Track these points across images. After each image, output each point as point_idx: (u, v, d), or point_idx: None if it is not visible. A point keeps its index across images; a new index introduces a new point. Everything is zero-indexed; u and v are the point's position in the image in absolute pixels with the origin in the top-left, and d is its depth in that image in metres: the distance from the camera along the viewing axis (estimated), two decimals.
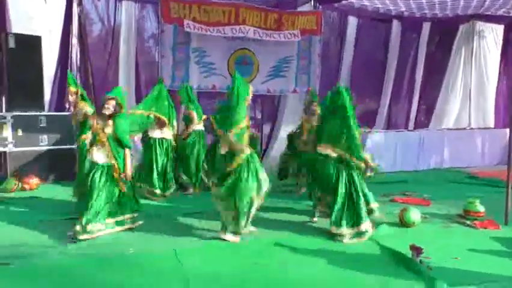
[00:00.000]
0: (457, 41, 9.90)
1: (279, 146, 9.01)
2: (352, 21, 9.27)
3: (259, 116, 8.96)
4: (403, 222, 4.79)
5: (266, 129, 9.04)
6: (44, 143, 6.55)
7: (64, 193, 5.76)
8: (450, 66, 9.97)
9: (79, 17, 7.06)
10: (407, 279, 3.42)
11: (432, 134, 8.88)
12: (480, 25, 9.79)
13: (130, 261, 3.72)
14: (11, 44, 6.26)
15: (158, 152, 5.97)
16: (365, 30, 9.48)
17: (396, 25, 9.53)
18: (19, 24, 6.62)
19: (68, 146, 6.64)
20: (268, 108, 9.10)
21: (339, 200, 4.34)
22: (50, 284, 2.92)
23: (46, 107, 6.92)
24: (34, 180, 6.16)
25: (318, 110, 5.55)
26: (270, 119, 9.08)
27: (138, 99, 7.62)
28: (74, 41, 7.12)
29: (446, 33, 9.94)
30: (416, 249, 3.79)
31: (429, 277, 3.38)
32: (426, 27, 9.71)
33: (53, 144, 6.60)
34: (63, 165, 6.56)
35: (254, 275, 3.48)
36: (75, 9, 7.06)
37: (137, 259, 3.75)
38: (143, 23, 7.75)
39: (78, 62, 7.15)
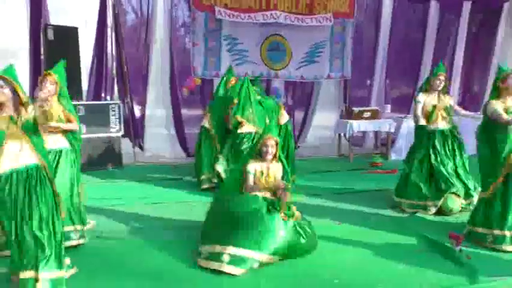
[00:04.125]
0: (502, 21, 9.32)
1: (314, 132, 8.96)
2: (387, 3, 8.90)
3: (290, 103, 8.84)
4: (441, 210, 4.64)
5: (298, 115, 8.95)
6: (82, 132, 6.77)
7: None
8: (496, 49, 9.41)
9: (113, 8, 7.18)
10: (444, 268, 3.31)
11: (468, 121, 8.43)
12: None
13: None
14: (50, 35, 6.40)
15: None
16: (401, 11, 9.08)
17: (434, 5, 9.07)
18: (57, 16, 6.81)
19: (106, 134, 6.84)
20: (300, 94, 9.01)
21: None
22: None
23: (84, 96, 7.13)
24: None
25: None
26: (302, 105, 9.00)
27: (173, 89, 7.72)
28: (109, 31, 7.27)
29: (489, 12, 9.39)
30: (456, 238, 3.65)
31: (472, 268, 3.25)
32: (466, 6, 9.16)
33: (91, 133, 6.79)
34: (101, 153, 6.79)
35: (288, 262, 3.46)
36: (109, 0, 7.19)
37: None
38: (175, 11, 7.79)
39: (113, 52, 7.30)
